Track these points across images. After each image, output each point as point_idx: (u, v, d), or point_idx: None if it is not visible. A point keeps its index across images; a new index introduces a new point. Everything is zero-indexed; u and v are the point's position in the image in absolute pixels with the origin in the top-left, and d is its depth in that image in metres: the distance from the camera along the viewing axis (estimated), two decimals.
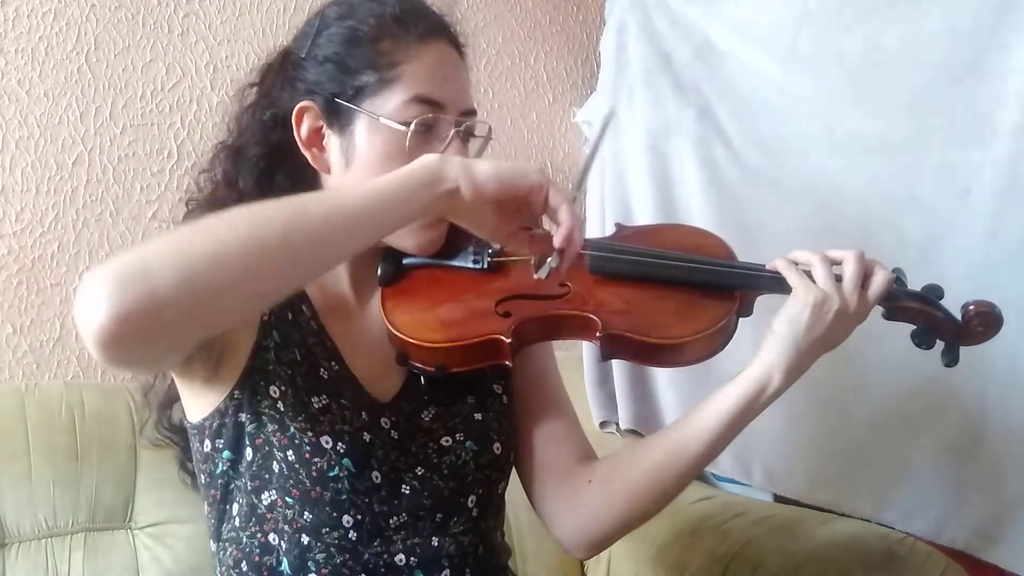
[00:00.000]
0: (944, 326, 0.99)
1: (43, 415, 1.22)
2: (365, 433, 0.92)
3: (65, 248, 1.44)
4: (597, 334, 0.93)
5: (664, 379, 1.69)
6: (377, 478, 0.92)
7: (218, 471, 0.95)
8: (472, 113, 0.98)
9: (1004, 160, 1.26)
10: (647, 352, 0.96)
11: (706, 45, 1.67)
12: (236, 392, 0.92)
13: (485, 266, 1.00)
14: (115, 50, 1.49)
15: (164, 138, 1.52)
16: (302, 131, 0.95)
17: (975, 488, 1.32)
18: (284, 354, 0.93)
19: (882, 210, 1.41)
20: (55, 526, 1.19)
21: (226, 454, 0.94)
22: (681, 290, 0.98)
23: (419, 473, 0.94)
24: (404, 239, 0.97)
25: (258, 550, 0.93)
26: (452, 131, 0.94)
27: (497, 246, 1.00)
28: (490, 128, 1.02)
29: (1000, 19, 1.26)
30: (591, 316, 0.94)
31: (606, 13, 1.90)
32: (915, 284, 1.01)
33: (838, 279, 0.93)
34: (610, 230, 1.85)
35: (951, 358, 1.00)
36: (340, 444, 0.90)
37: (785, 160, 1.54)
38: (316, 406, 0.91)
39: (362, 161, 0.93)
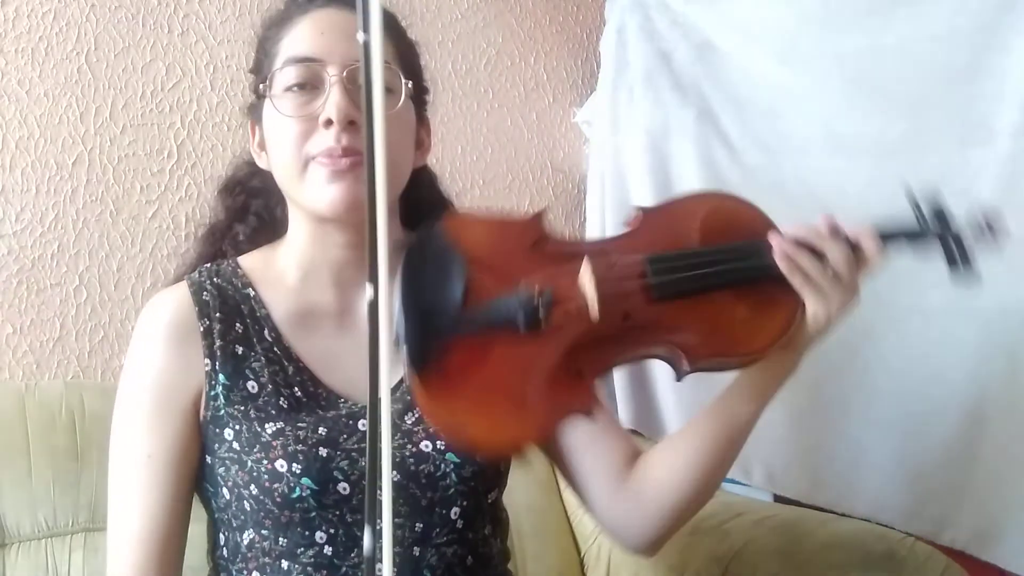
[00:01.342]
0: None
1: (43, 415, 1.22)
2: (321, 448, 0.89)
3: (65, 248, 1.44)
4: (685, 367, 0.84)
5: (664, 380, 1.68)
6: (345, 489, 0.89)
7: (205, 496, 0.97)
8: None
9: (1004, 160, 1.26)
10: (735, 366, 0.91)
11: (706, 45, 1.67)
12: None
13: (543, 324, 0.79)
14: (115, 50, 1.49)
15: (164, 138, 1.52)
16: (254, 143, 1.00)
17: (975, 488, 1.31)
18: (234, 393, 0.92)
19: (882, 210, 1.40)
20: (55, 526, 1.19)
21: (207, 485, 0.95)
22: (746, 290, 0.88)
23: (394, 479, 0.90)
24: (306, 204, 0.93)
25: None
26: (329, 81, 0.90)
27: (548, 292, 0.80)
28: (409, 84, 0.93)
29: (1000, 19, 1.26)
30: (674, 349, 0.84)
31: (606, 13, 1.90)
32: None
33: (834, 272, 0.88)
34: (611, 230, 1.86)
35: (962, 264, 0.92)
36: (295, 465, 0.88)
37: (785, 160, 1.54)
38: (269, 432, 0.90)
39: (268, 141, 0.96)
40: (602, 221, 1.82)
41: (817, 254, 0.87)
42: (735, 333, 0.87)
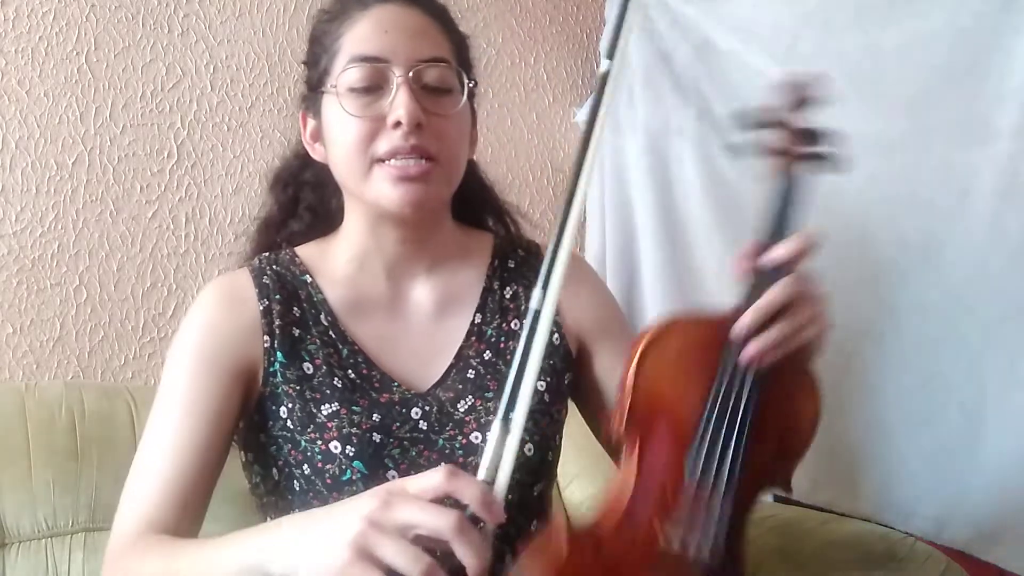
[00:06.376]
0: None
1: (43, 415, 1.22)
2: (375, 434, 0.90)
3: (65, 248, 1.44)
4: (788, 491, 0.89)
5: None
6: (394, 477, 0.89)
7: (253, 482, 0.97)
8: (432, 61, 0.92)
9: (1004, 160, 1.26)
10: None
11: (706, 45, 1.67)
12: (255, 415, 0.95)
13: None
14: (115, 50, 1.49)
15: (164, 138, 1.52)
16: (306, 134, 1.01)
17: (975, 488, 1.31)
18: (290, 372, 0.93)
19: (882, 210, 1.41)
20: (55, 526, 1.19)
21: (257, 468, 0.96)
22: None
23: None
24: (369, 201, 0.93)
25: None
26: (395, 81, 0.91)
27: None
28: (472, 84, 0.96)
29: (1001, 19, 1.26)
30: (770, 487, 0.91)
31: (606, 13, 1.90)
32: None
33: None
34: (611, 230, 1.85)
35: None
36: (348, 447, 0.89)
37: None
38: (325, 414, 0.91)
39: (328, 136, 0.96)
40: (602, 222, 1.82)
41: (775, 316, 0.82)
42: (797, 432, 0.86)
